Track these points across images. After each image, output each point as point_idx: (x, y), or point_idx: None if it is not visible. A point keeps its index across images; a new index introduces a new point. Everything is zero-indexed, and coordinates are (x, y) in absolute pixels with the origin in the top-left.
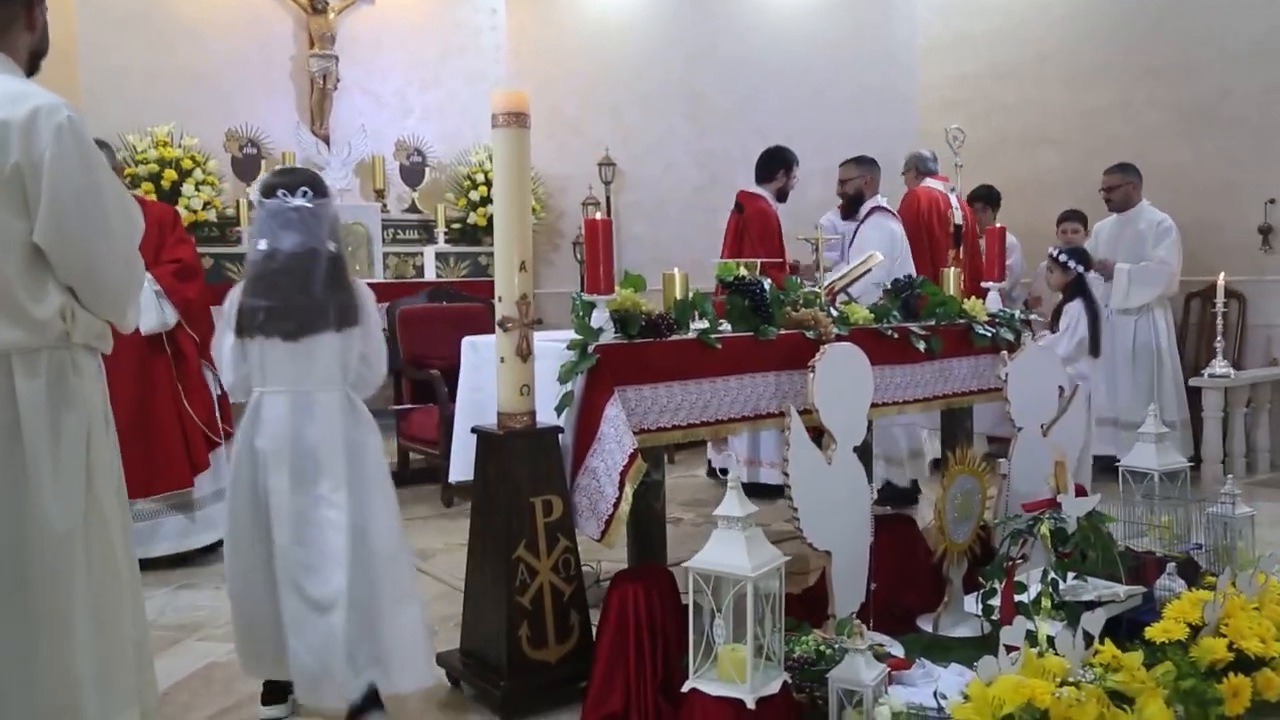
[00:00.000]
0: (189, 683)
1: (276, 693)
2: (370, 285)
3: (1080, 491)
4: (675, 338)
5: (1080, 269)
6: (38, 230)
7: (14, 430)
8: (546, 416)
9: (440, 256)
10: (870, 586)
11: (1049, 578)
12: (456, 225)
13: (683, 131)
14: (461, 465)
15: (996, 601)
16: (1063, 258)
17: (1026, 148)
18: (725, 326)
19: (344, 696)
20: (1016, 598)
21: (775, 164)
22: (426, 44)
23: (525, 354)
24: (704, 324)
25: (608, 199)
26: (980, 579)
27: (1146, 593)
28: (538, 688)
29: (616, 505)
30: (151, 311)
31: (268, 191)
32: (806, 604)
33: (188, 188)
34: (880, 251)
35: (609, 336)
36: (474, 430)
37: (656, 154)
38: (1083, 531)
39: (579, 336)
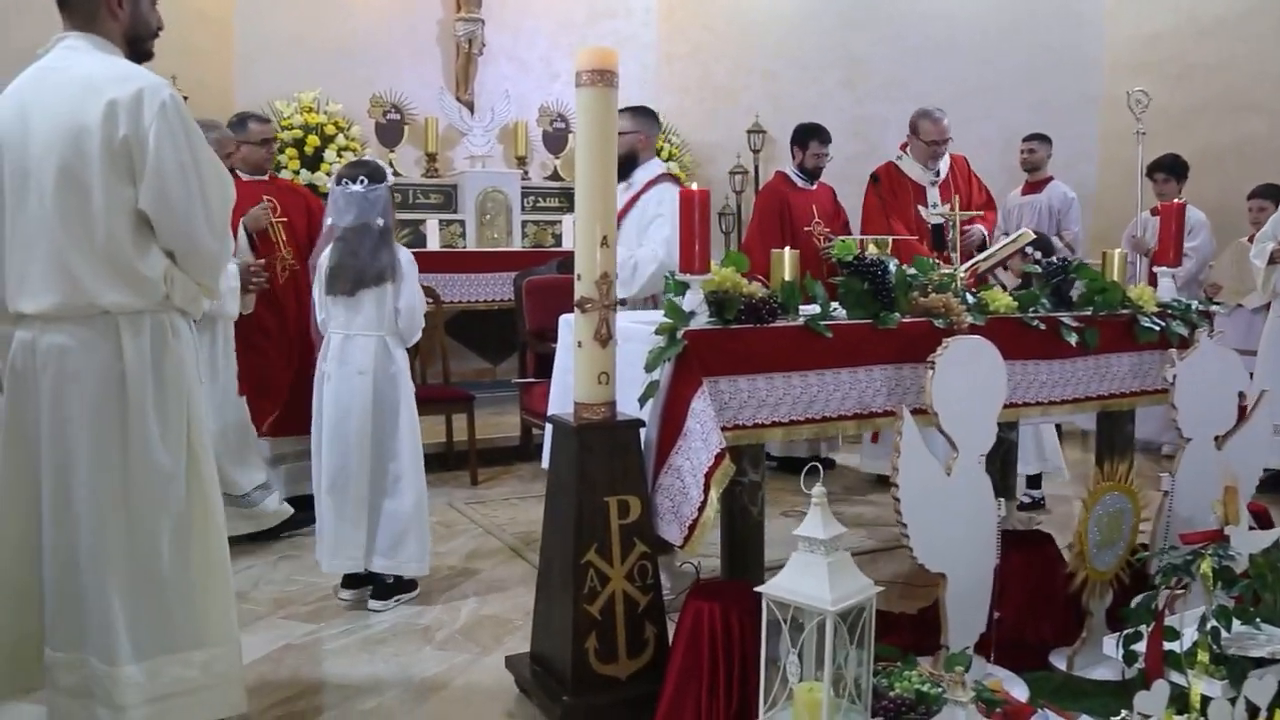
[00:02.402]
0: (258, 665)
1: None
2: (502, 254)
3: (1263, 518)
4: (780, 324)
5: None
6: (143, 197)
7: (121, 386)
8: (630, 409)
9: None
10: (994, 616)
11: (1208, 625)
12: None
13: (838, 98)
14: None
15: (1141, 648)
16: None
17: (1227, 114)
18: (840, 312)
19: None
20: (1167, 645)
21: (791, 141)
22: (574, 7)
23: (605, 339)
24: (813, 308)
25: (756, 168)
26: (1123, 618)
27: None
28: (603, 706)
29: (701, 509)
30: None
31: (338, 180)
32: (921, 628)
33: (330, 153)
34: (664, 236)
35: (703, 320)
36: (548, 419)
37: (809, 121)
38: (1257, 570)
39: (669, 320)
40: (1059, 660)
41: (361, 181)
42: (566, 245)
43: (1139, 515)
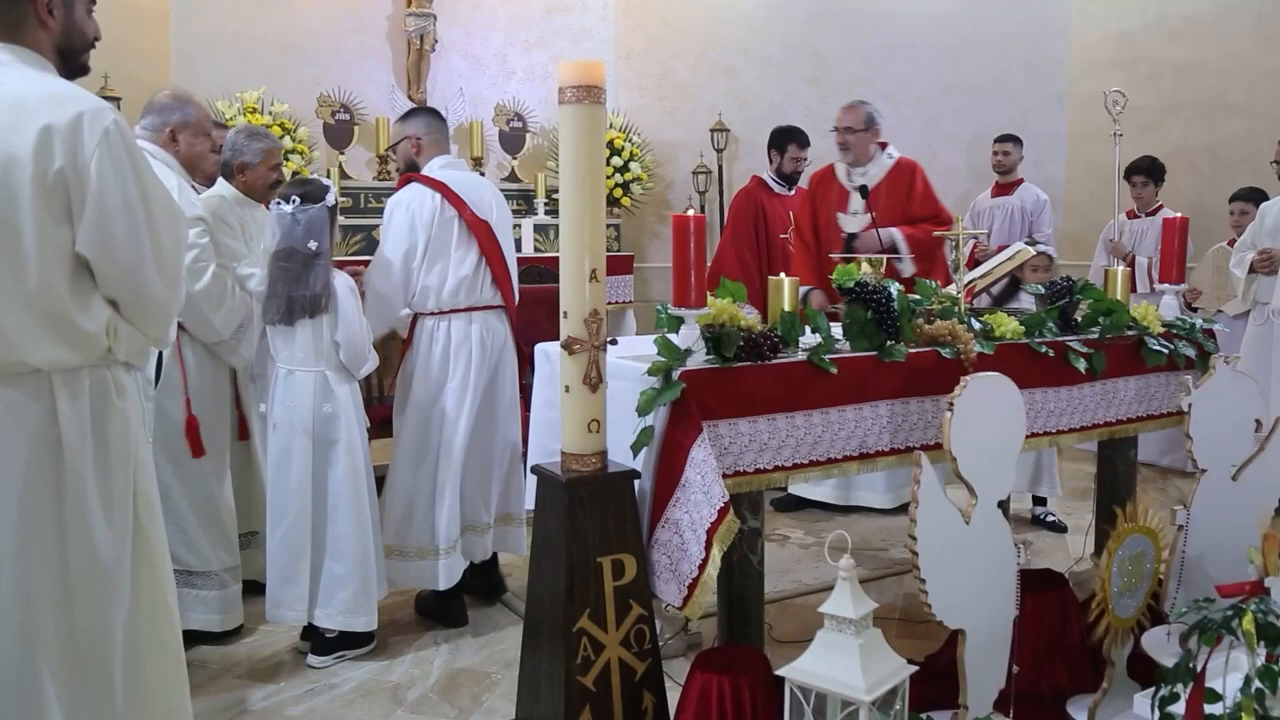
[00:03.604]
0: None
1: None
2: None
3: None
4: (780, 360)
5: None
6: (81, 240)
7: (56, 455)
8: (620, 452)
9: (539, 229)
10: (1013, 670)
11: (1253, 687)
12: (558, 195)
13: (803, 96)
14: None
15: (1178, 709)
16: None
17: (1200, 115)
18: (842, 344)
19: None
20: (1207, 709)
21: (768, 145)
22: (530, 1)
23: (595, 383)
24: (814, 339)
25: (720, 167)
26: (1160, 681)
27: None
28: None
29: (702, 568)
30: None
31: (276, 200)
32: (931, 680)
33: None
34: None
35: (699, 359)
36: (534, 470)
37: (774, 120)
38: None
39: (662, 359)
40: (1078, 712)
41: (293, 201)
42: (526, 250)
43: (1160, 557)
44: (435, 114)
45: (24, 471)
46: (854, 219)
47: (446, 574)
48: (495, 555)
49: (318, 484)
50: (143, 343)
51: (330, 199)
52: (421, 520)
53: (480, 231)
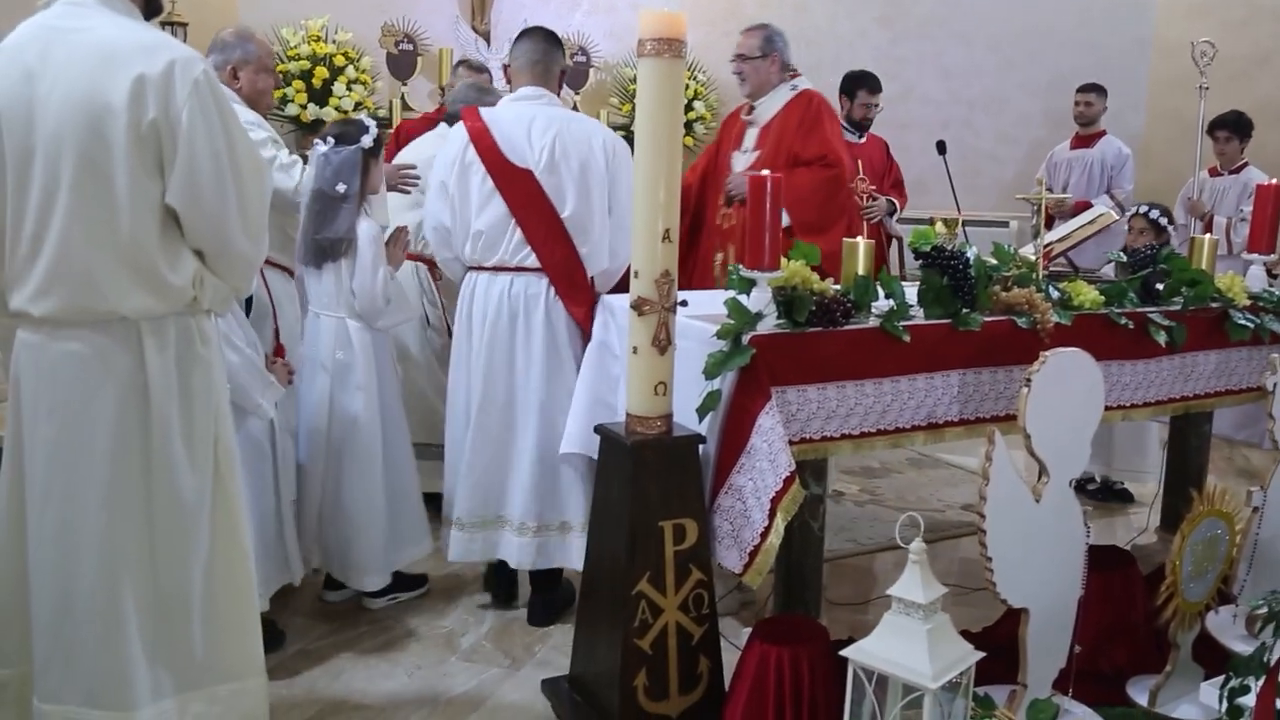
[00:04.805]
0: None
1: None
2: None
3: None
4: (852, 326)
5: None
6: (171, 190)
7: (143, 401)
8: (684, 414)
9: None
10: (1074, 649)
11: None
12: (620, 132)
13: (874, 36)
14: (580, 435)
15: (1249, 702)
16: (1154, 214)
17: None
18: (916, 311)
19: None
20: None
21: (839, 90)
22: None
23: (664, 345)
24: (888, 304)
25: None
26: (1231, 671)
27: None
28: None
29: (765, 536)
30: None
31: (317, 140)
32: (988, 651)
33: (339, 86)
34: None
35: (770, 323)
36: (597, 430)
37: (843, 60)
38: None
39: (732, 321)
40: (1138, 693)
41: (328, 142)
42: None
43: (1234, 541)
44: (536, 36)
45: (114, 416)
46: (744, 157)
47: (456, 546)
48: (509, 564)
49: (332, 433)
50: (226, 291)
51: (366, 140)
52: (445, 483)
53: (508, 181)
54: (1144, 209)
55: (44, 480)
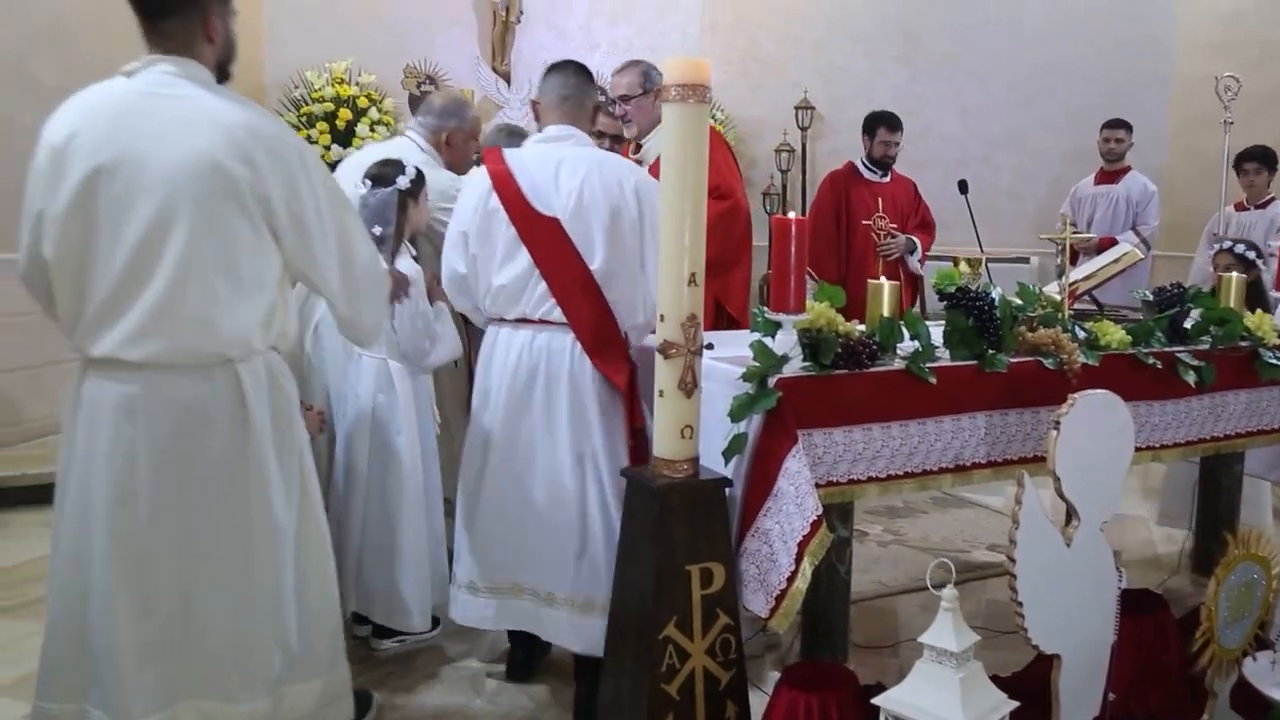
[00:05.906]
0: None
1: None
2: None
3: None
4: (878, 368)
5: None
6: (290, 253)
7: (244, 439)
8: (710, 456)
9: None
10: (1109, 695)
11: None
12: None
13: (892, 74)
14: None
15: None
16: (1240, 249)
17: None
18: (941, 352)
19: None
20: None
21: (862, 130)
22: None
23: (690, 388)
24: (913, 345)
25: (804, 146)
26: (1273, 717)
27: None
28: None
29: (791, 580)
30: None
31: (360, 182)
32: (1019, 698)
33: (362, 127)
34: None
35: (796, 365)
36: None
37: (861, 98)
38: None
39: (757, 364)
40: None
41: (366, 184)
42: None
43: (1271, 586)
44: (568, 70)
45: (223, 456)
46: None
47: (459, 607)
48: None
49: (373, 477)
50: (291, 329)
51: (403, 182)
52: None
53: (533, 230)
54: (1228, 244)
55: (147, 518)
